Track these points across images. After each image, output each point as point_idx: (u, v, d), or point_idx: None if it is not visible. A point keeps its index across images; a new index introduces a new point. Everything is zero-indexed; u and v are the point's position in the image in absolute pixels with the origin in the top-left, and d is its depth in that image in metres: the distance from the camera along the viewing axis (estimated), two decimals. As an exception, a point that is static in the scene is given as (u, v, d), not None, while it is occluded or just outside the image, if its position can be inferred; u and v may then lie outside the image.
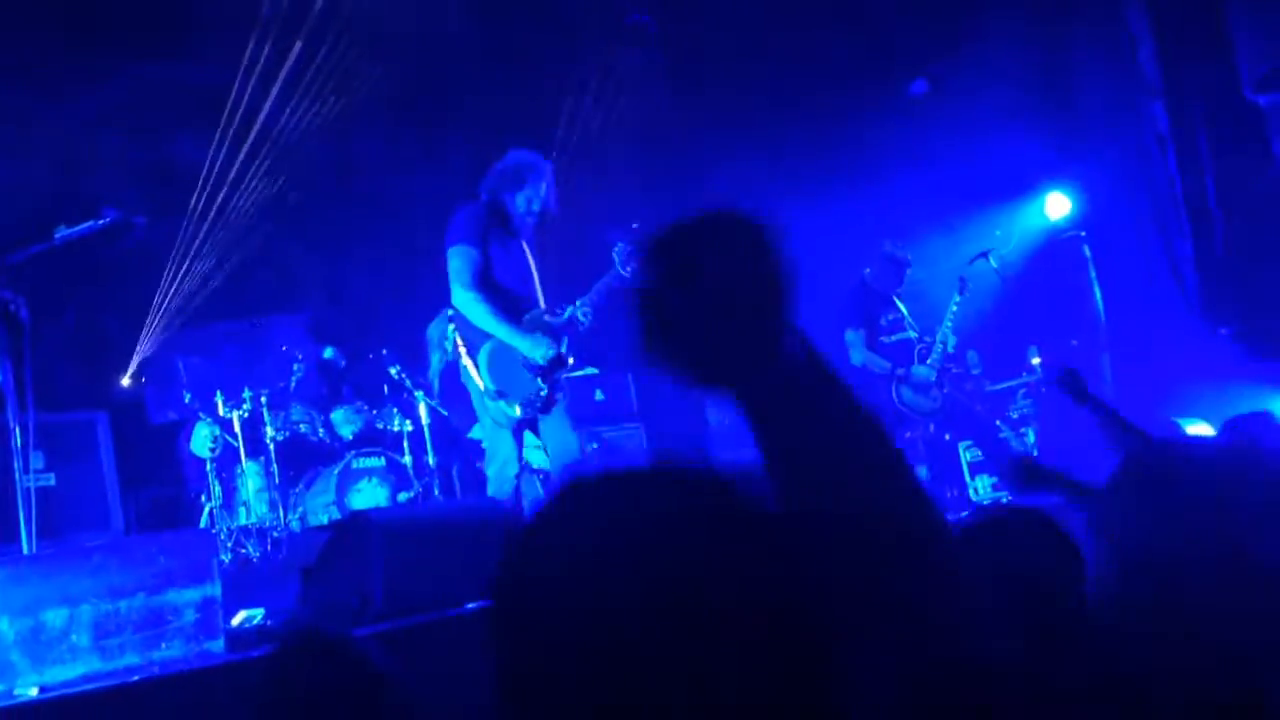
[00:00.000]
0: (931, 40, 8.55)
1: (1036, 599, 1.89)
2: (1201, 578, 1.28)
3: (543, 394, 4.93)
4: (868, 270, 7.20)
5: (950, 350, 6.99)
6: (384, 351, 7.24)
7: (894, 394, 6.94)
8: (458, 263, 5.00)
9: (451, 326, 5.15)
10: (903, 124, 8.55)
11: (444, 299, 6.54)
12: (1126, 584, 1.33)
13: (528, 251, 5.25)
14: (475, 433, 5.36)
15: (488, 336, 4.98)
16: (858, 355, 7.01)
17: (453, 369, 6.47)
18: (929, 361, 6.96)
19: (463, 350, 5.06)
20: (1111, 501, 1.39)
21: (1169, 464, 1.40)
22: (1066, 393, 3.82)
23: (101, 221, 4.55)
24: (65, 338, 6.61)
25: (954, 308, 7.00)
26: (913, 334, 7.08)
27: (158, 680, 3.31)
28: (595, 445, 7.23)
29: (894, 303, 7.15)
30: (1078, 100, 8.45)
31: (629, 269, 5.23)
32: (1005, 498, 6.76)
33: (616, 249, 5.29)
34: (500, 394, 4.93)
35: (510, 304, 5.05)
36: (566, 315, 5.13)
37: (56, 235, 4.47)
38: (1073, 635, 1.71)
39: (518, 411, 4.94)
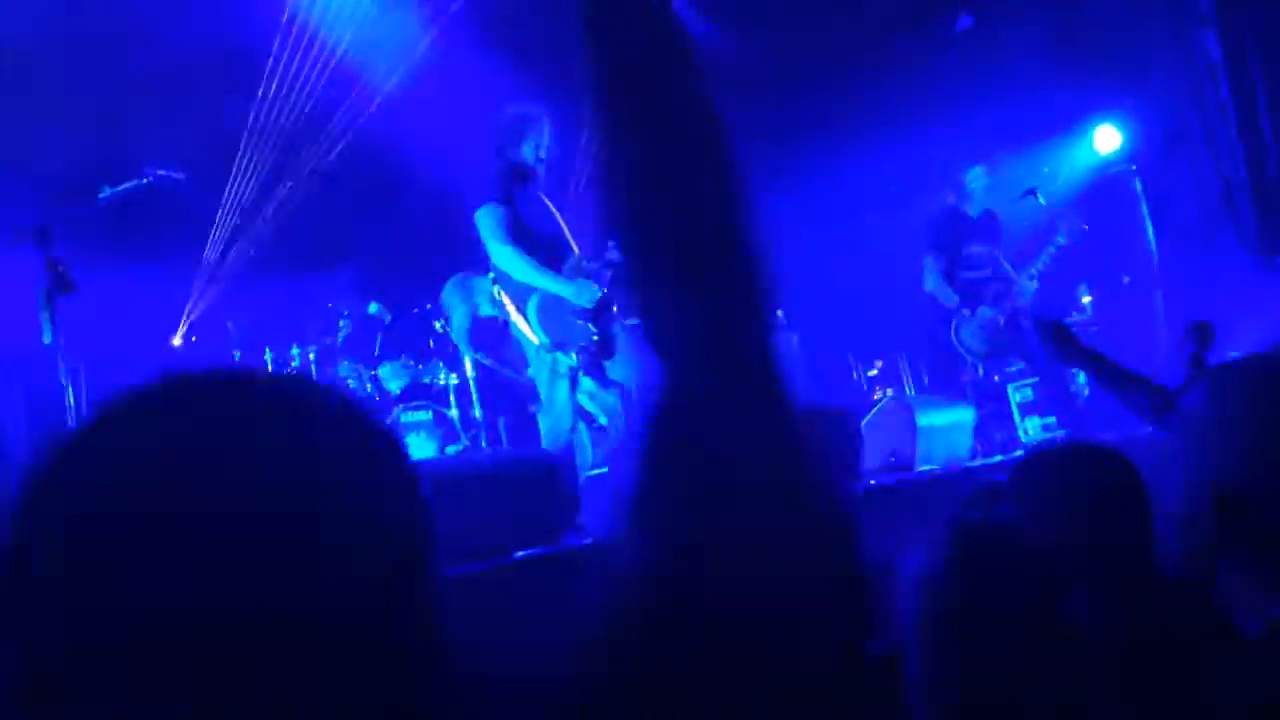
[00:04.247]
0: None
1: (1102, 541, 1.73)
2: None
3: (595, 338, 4.90)
4: (951, 196, 7.03)
5: (1028, 298, 6.82)
6: (428, 306, 7.24)
7: (952, 330, 6.84)
8: (489, 221, 4.97)
9: (496, 287, 5.12)
10: (946, 66, 8.38)
11: (456, 264, 6.57)
12: (1207, 506, 1.28)
13: (548, 201, 5.23)
14: (533, 371, 5.32)
15: (532, 290, 4.96)
16: (931, 281, 6.85)
17: (482, 324, 6.48)
18: (1003, 304, 6.81)
19: (511, 307, 5.04)
20: (1192, 425, 1.34)
21: (1247, 378, 1.35)
22: (1052, 348, 3.37)
23: (145, 180, 4.57)
24: (115, 299, 6.67)
25: (1052, 250, 6.83)
26: (990, 272, 6.92)
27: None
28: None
29: (983, 236, 7.00)
30: (1128, 31, 8.25)
31: None
32: (1058, 436, 6.69)
33: None
34: (556, 345, 4.93)
35: (548, 254, 5.03)
36: (605, 257, 5.11)
37: (101, 196, 4.50)
38: (1141, 581, 1.62)
39: (575, 359, 4.94)
